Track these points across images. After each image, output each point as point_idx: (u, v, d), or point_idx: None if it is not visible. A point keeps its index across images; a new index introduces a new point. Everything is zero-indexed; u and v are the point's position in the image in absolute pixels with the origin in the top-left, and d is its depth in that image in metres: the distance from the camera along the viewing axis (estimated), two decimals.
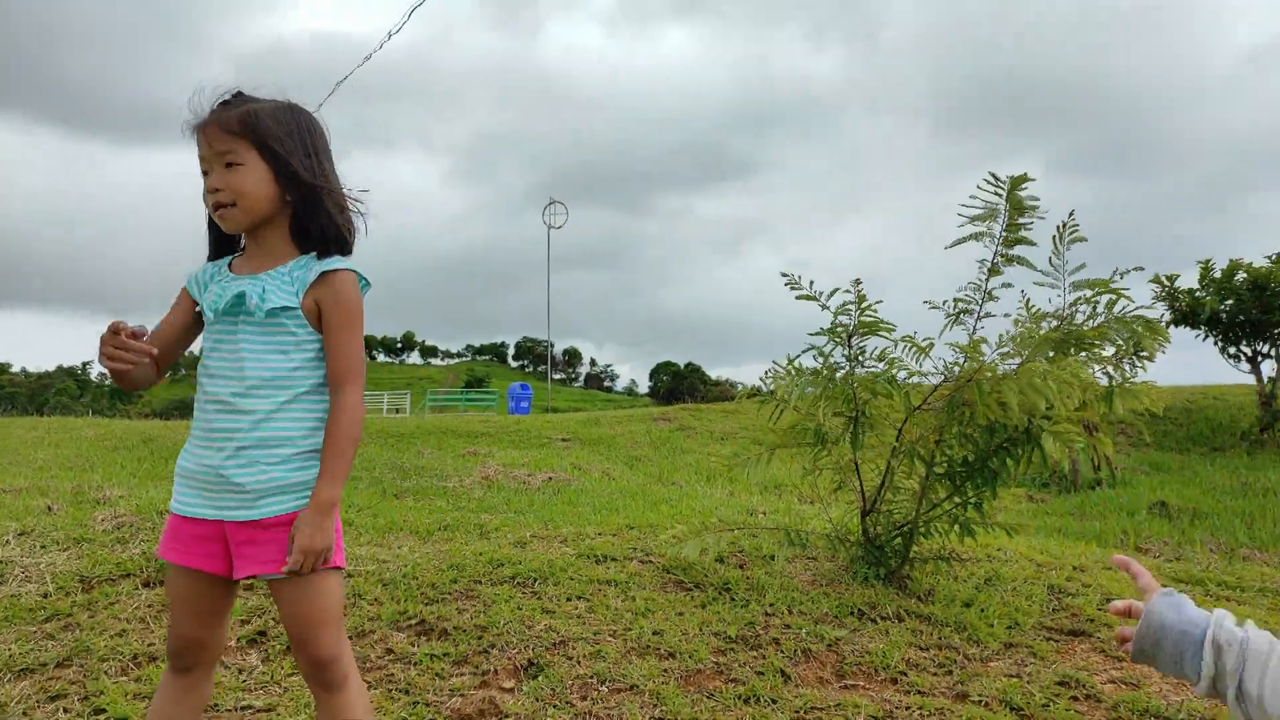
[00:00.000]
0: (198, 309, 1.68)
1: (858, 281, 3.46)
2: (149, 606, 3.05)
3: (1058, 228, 3.38)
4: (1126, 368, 3.36)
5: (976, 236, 3.44)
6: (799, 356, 3.62)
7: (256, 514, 1.59)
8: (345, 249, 1.70)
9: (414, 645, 2.76)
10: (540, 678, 2.55)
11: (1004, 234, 3.43)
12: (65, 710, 2.33)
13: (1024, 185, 3.35)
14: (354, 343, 1.66)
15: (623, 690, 2.50)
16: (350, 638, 2.81)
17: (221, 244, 1.73)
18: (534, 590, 3.28)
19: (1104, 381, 3.33)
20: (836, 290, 3.49)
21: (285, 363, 1.62)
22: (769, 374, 3.71)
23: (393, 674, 2.56)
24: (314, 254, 1.66)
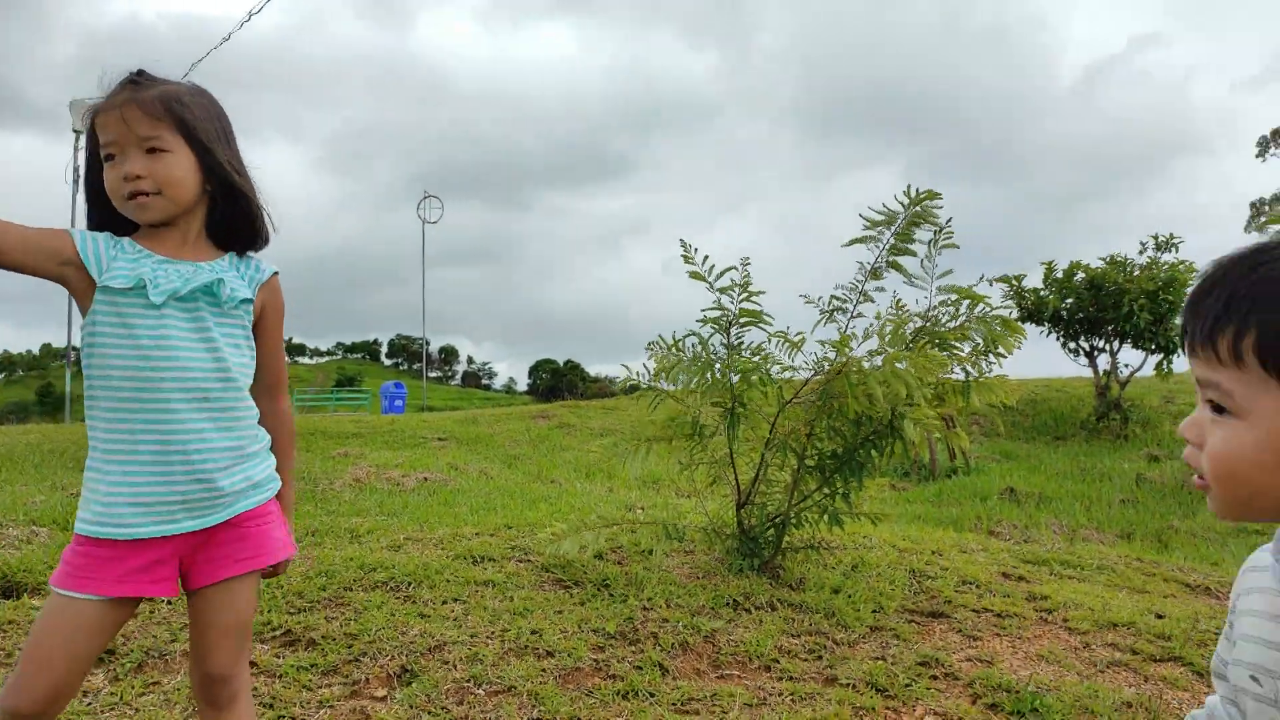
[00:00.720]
0: (66, 268, 1.41)
1: (746, 260, 3.55)
2: None
3: (934, 233, 3.56)
4: (983, 364, 3.60)
5: (866, 240, 3.59)
6: (683, 339, 3.67)
7: (230, 513, 1.50)
8: (262, 246, 1.63)
9: (279, 657, 2.64)
10: (414, 684, 2.49)
11: (893, 241, 3.57)
12: None
13: (933, 199, 3.48)
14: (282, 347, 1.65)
15: (500, 692, 2.47)
16: None
17: (105, 227, 1.51)
18: (408, 595, 3.20)
19: (960, 377, 3.55)
20: (729, 269, 3.57)
21: (246, 356, 1.55)
22: (650, 347, 3.73)
23: (256, 688, 2.44)
24: (234, 252, 1.58)
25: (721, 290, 3.60)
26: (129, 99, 1.46)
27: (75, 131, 18.77)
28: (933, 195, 3.48)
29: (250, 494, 1.53)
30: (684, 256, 3.63)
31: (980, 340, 3.52)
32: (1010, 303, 14.48)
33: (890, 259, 3.58)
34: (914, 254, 3.56)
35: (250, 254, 1.62)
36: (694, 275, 3.62)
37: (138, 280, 1.43)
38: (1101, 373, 14.15)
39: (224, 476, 1.48)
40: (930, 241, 3.55)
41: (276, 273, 1.62)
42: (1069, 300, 13.98)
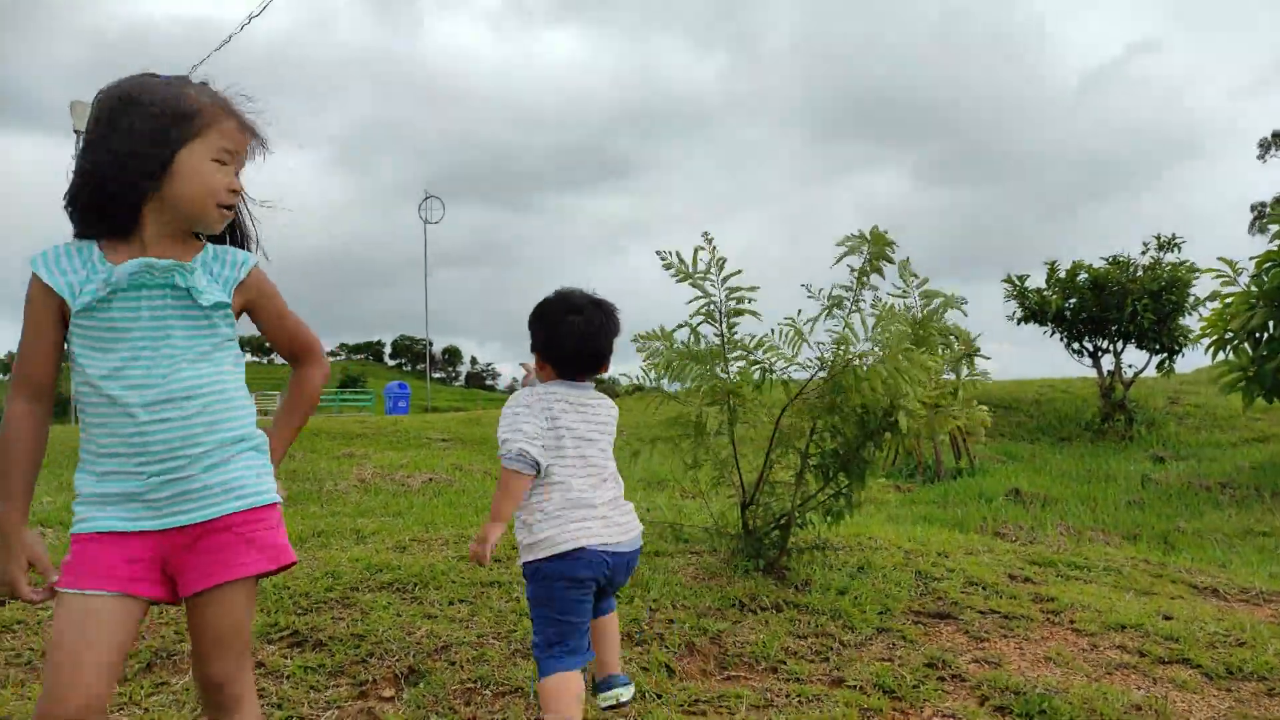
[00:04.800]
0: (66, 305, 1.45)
1: (707, 235, 3.50)
2: None
3: (900, 264, 3.69)
4: (963, 368, 3.71)
5: (851, 252, 3.65)
6: (673, 330, 3.64)
7: (203, 516, 1.48)
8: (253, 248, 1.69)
9: (286, 658, 2.64)
10: (421, 685, 2.49)
11: (868, 259, 3.64)
12: None
13: (883, 241, 3.62)
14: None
15: (507, 693, 2.47)
16: None
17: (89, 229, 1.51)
18: (414, 595, 3.20)
19: (950, 377, 3.65)
20: (699, 250, 3.51)
21: (220, 364, 1.57)
22: (638, 339, 3.70)
23: (264, 688, 2.45)
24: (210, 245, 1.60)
25: (700, 275, 3.53)
26: (253, 122, 1.58)
27: (76, 132, 18.81)
28: (881, 236, 3.60)
29: (230, 498, 1.50)
30: (664, 265, 3.57)
31: (955, 343, 3.66)
32: (1013, 301, 14.48)
33: (867, 270, 3.64)
34: (890, 260, 3.68)
35: (226, 247, 1.60)
36: (682, 278, 3.56)
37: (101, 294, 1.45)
38: (1105, 373, 14.13)
39: (193, 480, 1.47)
40: (900, 266, 3.70)
41: (255, 265, 1.61)
42: (1072, 300, 13.96)
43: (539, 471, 2.09)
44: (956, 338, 3.69)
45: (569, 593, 2.11)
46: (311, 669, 2.57)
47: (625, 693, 2.22)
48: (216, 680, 1.52)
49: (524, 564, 2.16)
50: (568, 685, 2.06)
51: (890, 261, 3.63)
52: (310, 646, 2.73)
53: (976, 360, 3.87)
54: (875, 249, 3.59)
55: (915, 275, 3.73)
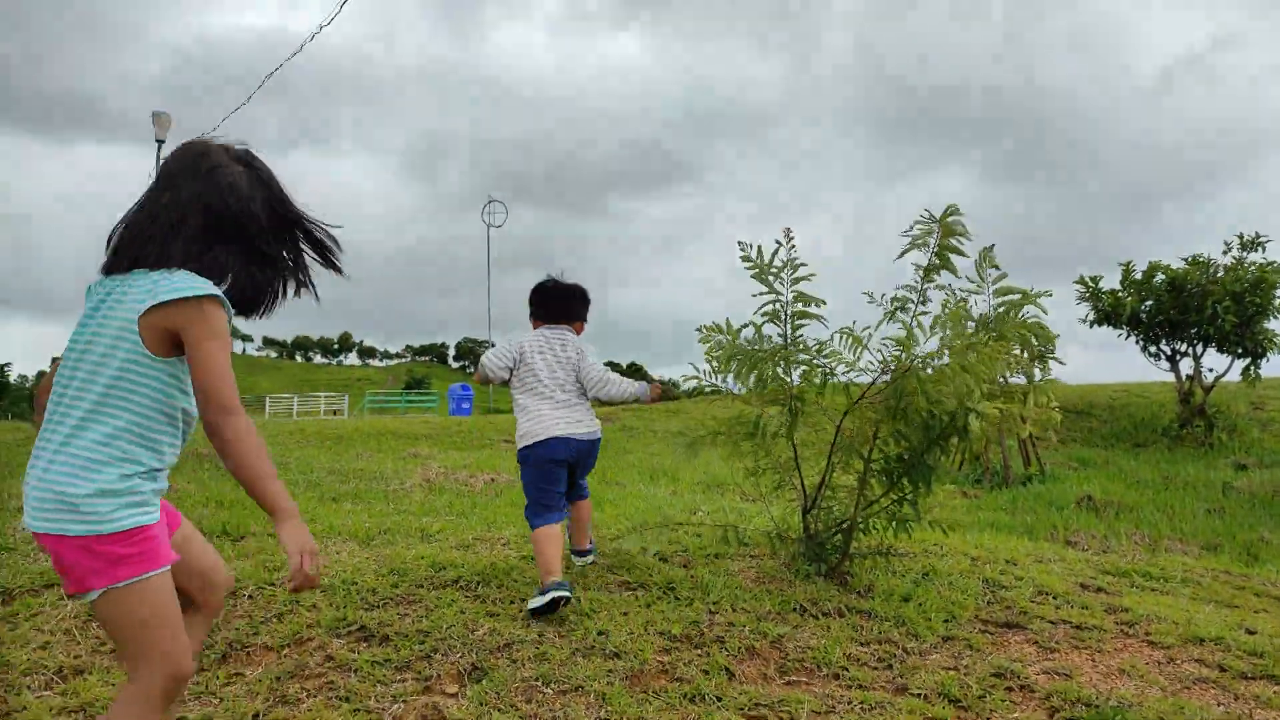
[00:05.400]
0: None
1: (788, 231, 3.49)
2: (74, 618, 2.93)
3: (980, 253, 3.53)
4: (1036, 371, 3.57)
5: (915, 246, 3.55)
6: (740, 328, 3.64)
7: (35, 527, 1.63)
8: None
9: (354, 652, 2.71)
10: (484, 681, 2.53)
11: (936, 250, 3.54)
12: None
13: (953, 214, 3.50)
14: None
15: (568, 691, 2.49)
16: (287, 645, 2.75)
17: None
18: (477, 593, 3.25)
19: (1020, 380, 3.52)
20: (775, 248, 3.51)
21: (104, 369, 1.70)
22: (701, 330, 3.69)
23: (332, 681, 2.51)
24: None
25: (774, 270, 3.53)
26: None
27: (158, 141, 19.56)
28: (953, 211, 3.49)
29: (46, 514, 1.56)
30: (743, 257, 3.59)
31: (1035, 341, 3.51)
32: (1085, 304, 14.06)
33: (936, 264, 3.55)
34: (963, 253, 3.54)
35: (166, 272, 1.63)
36: (757, 275, 3.57)
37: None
38: (1185, 378, 13.62)
39: (30, 488, 1.60)
40: (979, 255, 3.56)
41: (188, 298, 1.59)
42: (1149, 302, 13.50)
43: (490, 382, 3.50)
44: (1037, 337, 3.52)
45: (546, 468, 3.31)
46: (378, 663, 2.63)
47: (565, 592, 3.01)
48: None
49: (518, 451, 3.40)
50: (551, 532, 3.21)
51: (961, 253, 3.52)
52: (377, 641, 2.80)
53: (1050, 363, 3.73)
54: (944, 240, 3.48)
55: (996, 266, 3.56)
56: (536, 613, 3.02)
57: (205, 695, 2.44)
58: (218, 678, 2.54)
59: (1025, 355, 3.55)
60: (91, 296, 1.68)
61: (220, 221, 1.69)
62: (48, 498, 1.55)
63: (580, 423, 3.40)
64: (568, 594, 3.02)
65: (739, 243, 3.61)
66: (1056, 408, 3.52)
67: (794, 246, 3.50)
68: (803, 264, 3.51)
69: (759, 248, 3.57)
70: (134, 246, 1.66)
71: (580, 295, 3.63)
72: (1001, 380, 3.45)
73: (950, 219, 3.48)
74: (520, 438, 3.38)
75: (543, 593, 3.03)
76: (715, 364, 3.63)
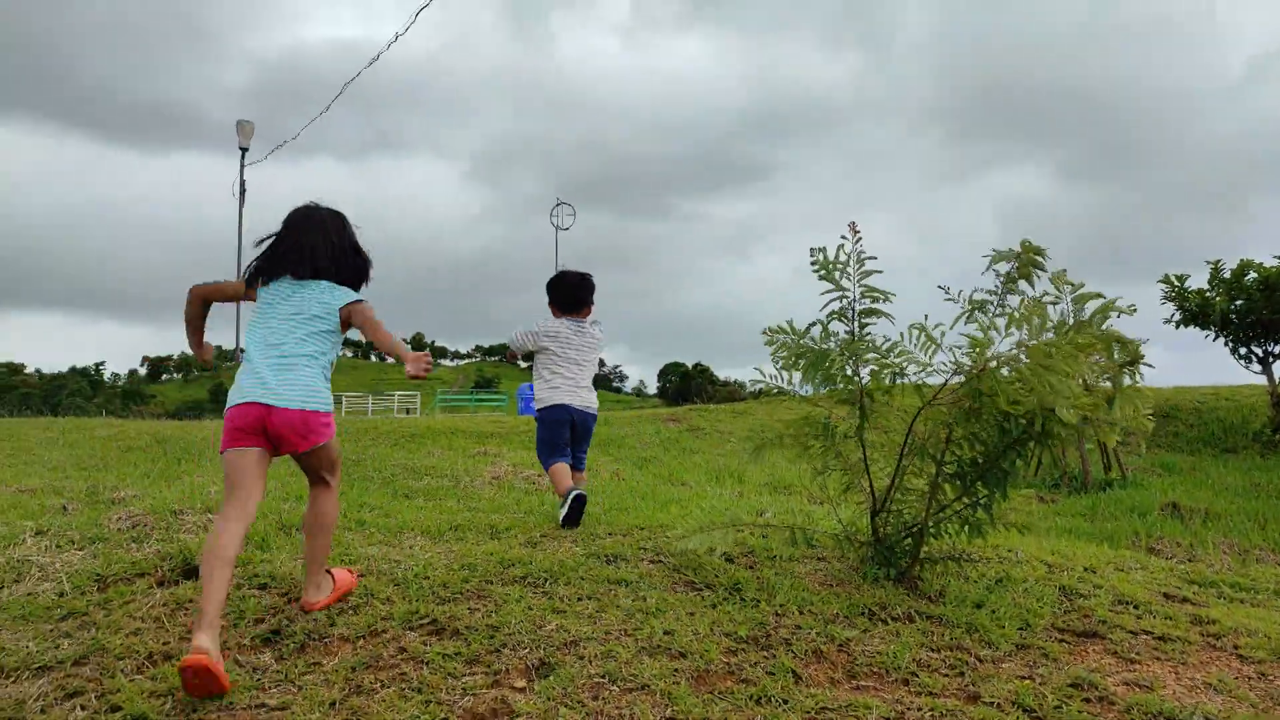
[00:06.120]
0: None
1: (854, 225, 3.46)
2: (164, 606, 3.07)
3: (1055, 274, 3.45)
4: (1126, 377, 3.43)
5: (998, 260, 3.51)
6: (807, 327, 3.60)
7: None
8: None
9: (426, 645, 2.77)
10: (552, 677, 2.56)
11: (1015, 269, 3.49)
12: (82, 708, 2.36)
13: (1036, 252, 3.49)
14: None
15: (634, 690, 2.51)
16: (362, 637, 2.84)
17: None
18: (545, 590, 3.29)
19: (1106, 384, 3.39)
20: (843, 240, 3.48)
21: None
22: (768, 333, 3.67)
23: (405, 673, 2.58)
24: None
25: (840, 266, 3.49)
26: None
27: (242, 149, 20.26)
28: (1034, 248, 3.48)
29: (305, 401, 2.84)
30: (813, 262, 3.57)
31: (1117, 351, 3.38)
32: (1170, 304, 13.52)
33: (1014, 275, 3.48)
34: (1042, 267, 3.50)
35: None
36: (825, 275, 3.54)
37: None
38: (1277, 381, 12.98)
39: (284, 388, 2.83)
40: (1053, 277, 3.49)
41: (357, 301, 3.07)
42: (1239, 302, 12.90)
43: (518, 358, 4.87)
44: (1120, 344, 3.42)
45: (554, 426, 4.60)
46: (449, 656, 2.68)
47: (580, 492, 4.33)
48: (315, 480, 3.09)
49: (537, 412, 4.67)
50: (561, 467, 4.52)
51: (1041, 270, 3.47)
52: (448, 635, 2.86)
53: (1139, 368, 3.57)
54: (1025, 262, 3.45)
55: (1070, 284, 3.54)
56: (567, 520, 4.21)
57: (285, 683, 2.53)
58: (296, 667, 2.63)
59: (1112, 359, 3.43)
60: (276, 288, 2.99)
61: (352, 247, 3.16)
62: (304, 394, 2.84)
63: (581, 398, 4.65)
64: (583, 494, 4.28)
65: (811, 249, 3.59)
66: (1150, 414, 3.38)
67: (860, 240, 3.46)
68: (870, 258, 3.48)
69: (824, 250, 3.54)
70: (313, 263, 3.01)
71: (590, 284, 4.74)
72: (1085, 384, 3.34)
73: (1033, 253, 3.43)
74: (538, 401, 4.66)
75: (565, 502, 4.23)
76: (781, 363, 3.61)
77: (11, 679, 2.52)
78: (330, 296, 2.98)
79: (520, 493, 6.51)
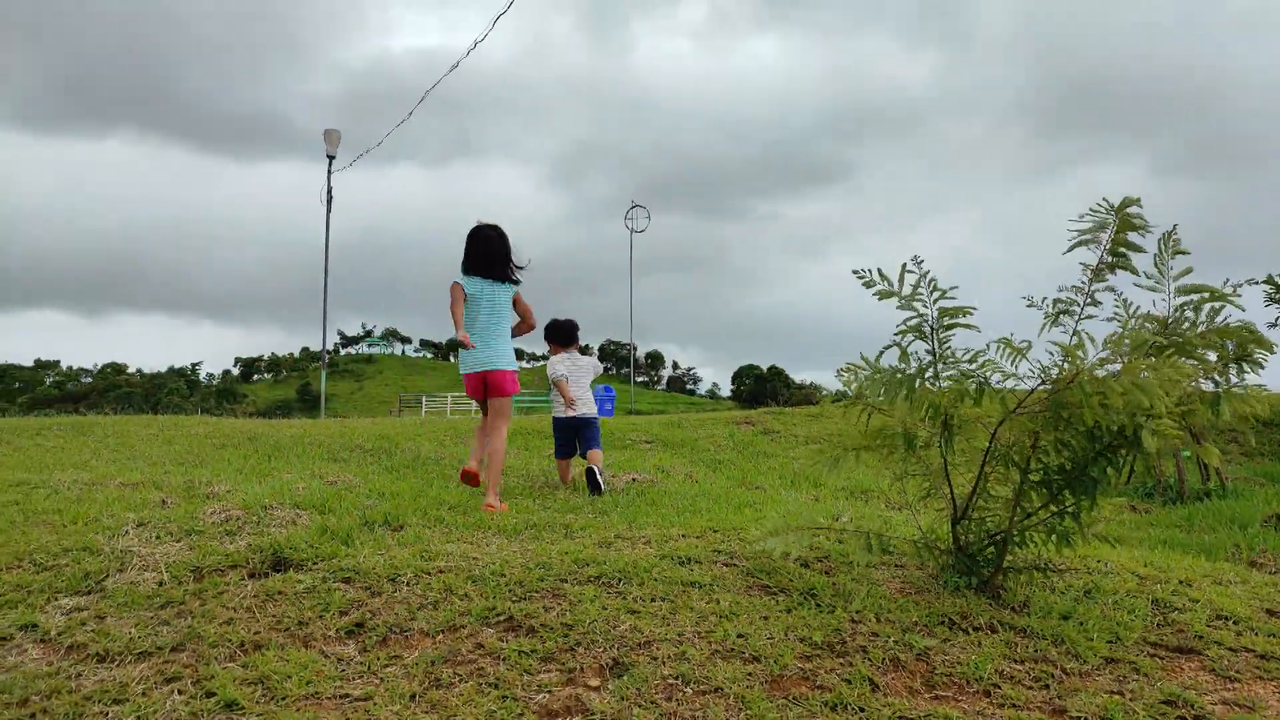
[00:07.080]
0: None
1: (917, 259, 3.37)
2: (254, 597, 3.19)
3: (1161, 238, 3.27)
4: (1232, 374, 3.23)
5: (1085, 243, 3.35)
6: (881, 354, 3.53)
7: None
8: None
9: (503, 641, 2.82)
10: (625, 677, 2.58)
11: (1110, 244, 3.32)
12: (179, 693, 2.47)
13: (1132, 205, 3.27)
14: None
15: (708, 692, 2.50)
16: (441, 632, 2.90)
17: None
18: (618, 590, 3.31)
19: (1209, 387, 3.21)
20: (905, 272, 3.38)
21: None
22: (844, 371, 3.61)
23: (483, 668, 2.63)
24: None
25: (908, 297, 3.41)
26: None
27: (329, 157, 20.90)
28: (1132, 201, 3.24)
29: (500, 363, 5.61)
30: (863, 282, 3.47)
31: (1229, 347, 3.18)
32: (1274, 305, 12.85)
33: (1108, 260, 3.31)
34: (1139, 249, 3.29)
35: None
36: (884, 297, 3.45)
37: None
38: None
39: (488, 354, 5.61)
40: (1159, 245, 3.29)
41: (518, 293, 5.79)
42: None
43: (555, 386, 6.64)
44: (1233, 342, 3.17)
45: (562, 429, 6.63)
46: (525, 653, 2.72)
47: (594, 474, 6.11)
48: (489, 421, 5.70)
49: (552, 420, 6.83)
50: (565, 463, 6.67)
51: (1139, 249, 3.28)
52: (524, 632, 2.90)
53: (1247, 365, 3.30)
54: (1120, 234, 3.26)
55: (1184, 252, 3.28)
56: (593, 488, 6.00)
57: (367, 675, 2.60)
58: (378, 659, 2.71)
59: (1225, 355, 3.22)
60: (477, 284, 5.50)
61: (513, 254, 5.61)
62: (502, 357, 5.56)
63: (583, 411, 6.58)
64: (592, 467, 6.09)
65: (854, 272, 3.48)
66: (1258, 423, 3.18)
67: (928, 274, 3.35)
68: (941, 288, 3.36)
69: (879, 270, 3.44)
70: (500, 269, 5.55)
71: (576, 326, 6.85)
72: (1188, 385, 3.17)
73: (1129, 209, 3.26)
74: (554, 412, 6.73)
75: (589, 482, 6.06)
76: (857, 389, 3.52)
77: (116, 663, 2.66)
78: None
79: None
